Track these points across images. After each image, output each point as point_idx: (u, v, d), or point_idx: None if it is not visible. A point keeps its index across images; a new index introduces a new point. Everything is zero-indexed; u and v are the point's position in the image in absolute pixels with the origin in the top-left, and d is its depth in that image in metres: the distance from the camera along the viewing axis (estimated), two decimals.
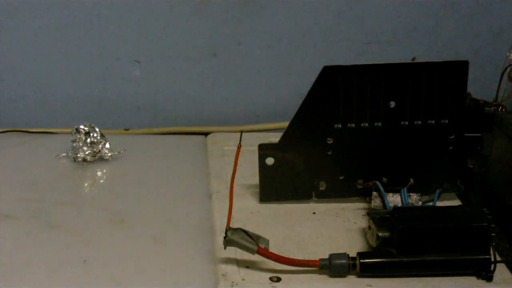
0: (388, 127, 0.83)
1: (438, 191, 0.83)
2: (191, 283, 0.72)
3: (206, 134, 1.08)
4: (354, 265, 0.72)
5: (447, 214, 0.75)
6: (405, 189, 0.83)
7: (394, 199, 0.83)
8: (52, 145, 1.00)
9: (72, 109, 1.10)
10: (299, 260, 0.72)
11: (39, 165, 0.96)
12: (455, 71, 0.82)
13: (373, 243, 0.75)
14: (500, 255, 0.76)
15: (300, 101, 0.82)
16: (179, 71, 1.11)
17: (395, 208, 0.78)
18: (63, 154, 0.98)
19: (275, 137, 0.85)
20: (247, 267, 0.73)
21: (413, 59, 0.87)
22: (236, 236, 0.72)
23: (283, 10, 1.08)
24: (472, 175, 0.86)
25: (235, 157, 0.81)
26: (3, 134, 1.05)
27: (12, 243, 0.79)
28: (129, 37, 1.08)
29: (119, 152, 0.98)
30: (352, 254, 0.73)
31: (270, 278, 0.72)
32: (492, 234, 0.73)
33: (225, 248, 0.72)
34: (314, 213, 0.85)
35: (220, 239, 0.73)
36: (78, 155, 0.96)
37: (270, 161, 0.84)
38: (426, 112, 0.83)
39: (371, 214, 0.77)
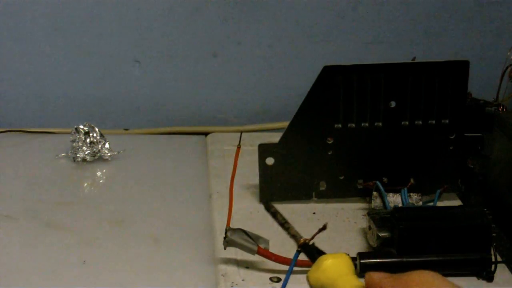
0: (388, 127, 0.83)
1: (438, 191, 0.83)
2: (191, 283, 0.72)
3: (206, 134, 1.08)
4: (354, 265, 0.72)
5: (447, 214, 0.75)
6: (406, 189, 0.83)
7: (394, 199, 0.83)
8: (52, 145, 1.00)
9: (71, 109, 1.10)
10: (299, 260, 0.72)
11: (38, 165, 0.96)
12: (456, 71, 0.81)
13: (373, 243, 0.75)
14: (501, 255, 0.76)
15: (300, 101, 0.82)
16: (179, 71, 1.10)
17: (395, 208, 0.78)
18: (63, 154, 0.98)
19: (275, 137, 0.85)
20: (247, 267, 0.73)
21: (413, 59, 0.87)
22: (236, 236, 0.71)
23: (283, 10, 1.08)
24: (472, 175, 0.86)
25: (235, 157, 0.81)
26: (3, 134, 1.04)
27: (12, 243, 0.78)
28: (129, 37, 1.08)
29: (118, 152, 0.98)
30: (352, 254, 0.73)
31: (270, 278, 0.72)
32: (493, 234, 0.73)
33: (225, 248, 0.72)
34: (314, 213, 0.85)
35: (220, 239, 0.73)
36: (78, 155, 0.96)
37: (270, 161, 0.84)
38: (426, 112, 0.83)
39: (371, 214, 0.77)
